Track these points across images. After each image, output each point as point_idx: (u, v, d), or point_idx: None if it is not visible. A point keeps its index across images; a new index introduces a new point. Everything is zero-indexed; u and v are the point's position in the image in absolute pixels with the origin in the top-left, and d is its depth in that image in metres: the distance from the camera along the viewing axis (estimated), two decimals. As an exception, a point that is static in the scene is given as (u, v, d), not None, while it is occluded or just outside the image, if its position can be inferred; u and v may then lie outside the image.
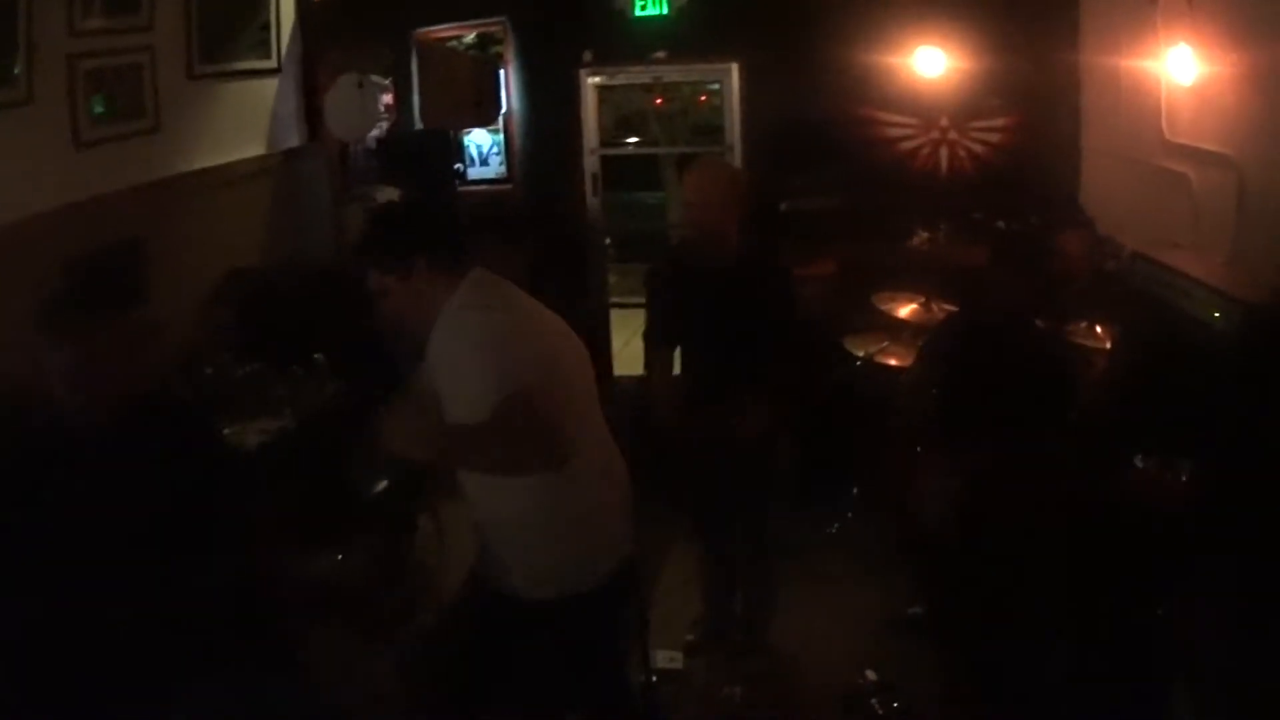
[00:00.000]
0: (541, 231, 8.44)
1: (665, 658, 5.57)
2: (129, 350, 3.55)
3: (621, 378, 7.76)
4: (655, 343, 5.30)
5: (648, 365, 5.34)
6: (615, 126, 8.44)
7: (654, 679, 5.15)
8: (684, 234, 5.42)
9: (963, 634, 5.07)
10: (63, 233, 5.48)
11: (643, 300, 5.45)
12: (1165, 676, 4.18)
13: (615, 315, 8.77)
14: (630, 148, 8.38)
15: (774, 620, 5.66)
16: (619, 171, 8.39)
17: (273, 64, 7.49)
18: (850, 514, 6.68)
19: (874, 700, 5.13)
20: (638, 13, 7.84)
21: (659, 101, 8.34)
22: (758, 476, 5.30)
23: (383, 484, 5.86)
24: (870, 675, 5.27)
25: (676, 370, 5.35)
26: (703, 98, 8.28)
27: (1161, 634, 4.25)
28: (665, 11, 7.80)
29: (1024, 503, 4.64)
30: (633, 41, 7.94)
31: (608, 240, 8.87)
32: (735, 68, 7.76)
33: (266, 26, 7.45)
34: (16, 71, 5.37)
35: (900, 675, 5.25)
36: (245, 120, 7.33)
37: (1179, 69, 5.60)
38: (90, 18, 5.81)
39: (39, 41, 5.45)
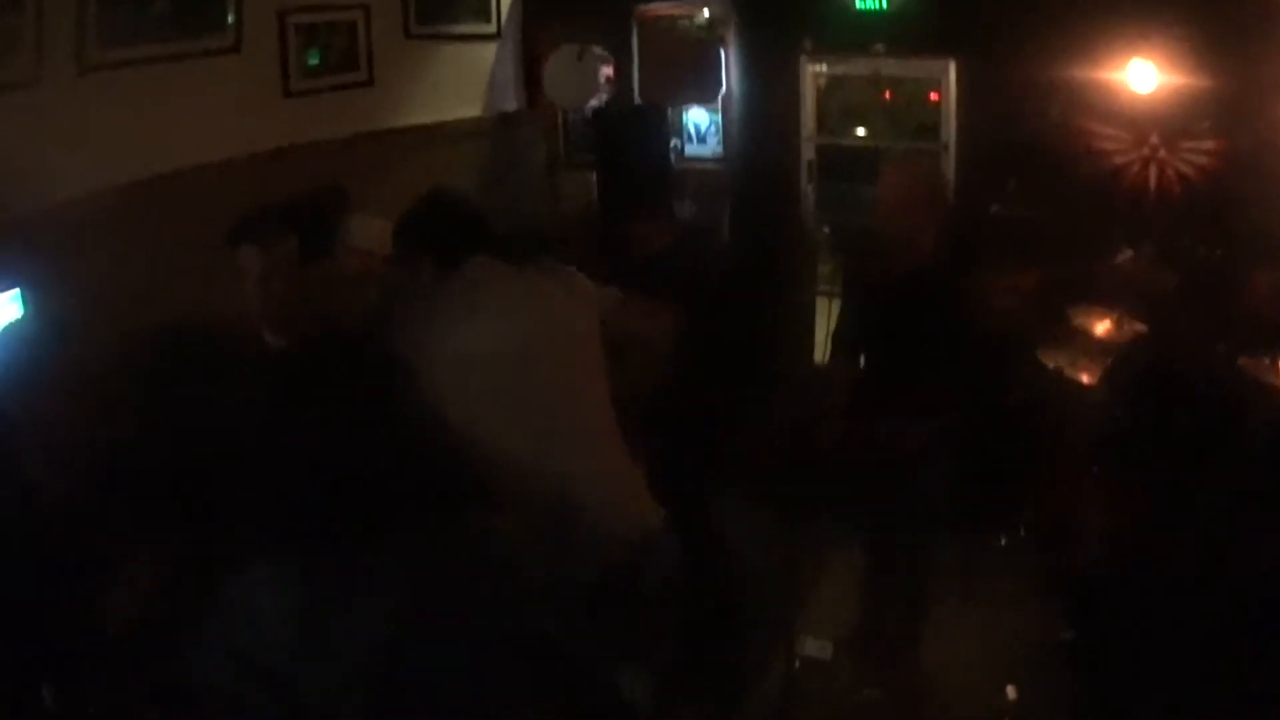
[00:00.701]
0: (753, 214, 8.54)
1: (815, 646, 5.61)
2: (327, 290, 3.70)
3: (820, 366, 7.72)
4: (840, 342, 5.27)
5: (834, 363, 5.37)
6: (841, 116, 8.33)
7: (798, 664, 5.19)
8: (877, 234, 5.29)
9: (1106, 667, 4.92)
10: (270, 176, 5.71)
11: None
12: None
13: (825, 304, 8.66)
14: (850, 139, 8.26)
15: (922, 631, 5.55)
16: (839, 162, 8.29)
17: (492, 29, 7.67)
18: (1022, 531, 6.46)
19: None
20: (859, 5, 7.74)
21: (888, 95, 8.20)
22: (917, 484, 5.16)
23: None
24: (1010, 694, 5.19)
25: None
26: (934, 95, 8.11)
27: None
28: (885, 7, 7.69)
29: (1184, 545, 4.46)
30: (852, 33, 7.82)
31: (826, 229, 8.79)
32: (952, 66, 7.59)
33: (487, -8, 7.62)
34: (230, 20, 5.62)
35: (1039, 699, 5.15)
36: (462, 82, 7.53)
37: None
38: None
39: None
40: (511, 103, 7.98)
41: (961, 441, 5.18)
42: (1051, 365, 6.30)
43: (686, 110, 8.60)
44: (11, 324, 3.94)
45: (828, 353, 5.46)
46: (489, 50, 7.76)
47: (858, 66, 7.95)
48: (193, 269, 4.55)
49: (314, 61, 6.19)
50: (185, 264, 4.72)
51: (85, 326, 4.49)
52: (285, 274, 3.88)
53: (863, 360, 5.29)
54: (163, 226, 4.92)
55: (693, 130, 8.68)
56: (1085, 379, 6.11)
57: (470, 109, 7.66)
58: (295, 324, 3.81)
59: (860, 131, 8.12)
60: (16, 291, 4.36)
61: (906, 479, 5.08)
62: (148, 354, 3.91)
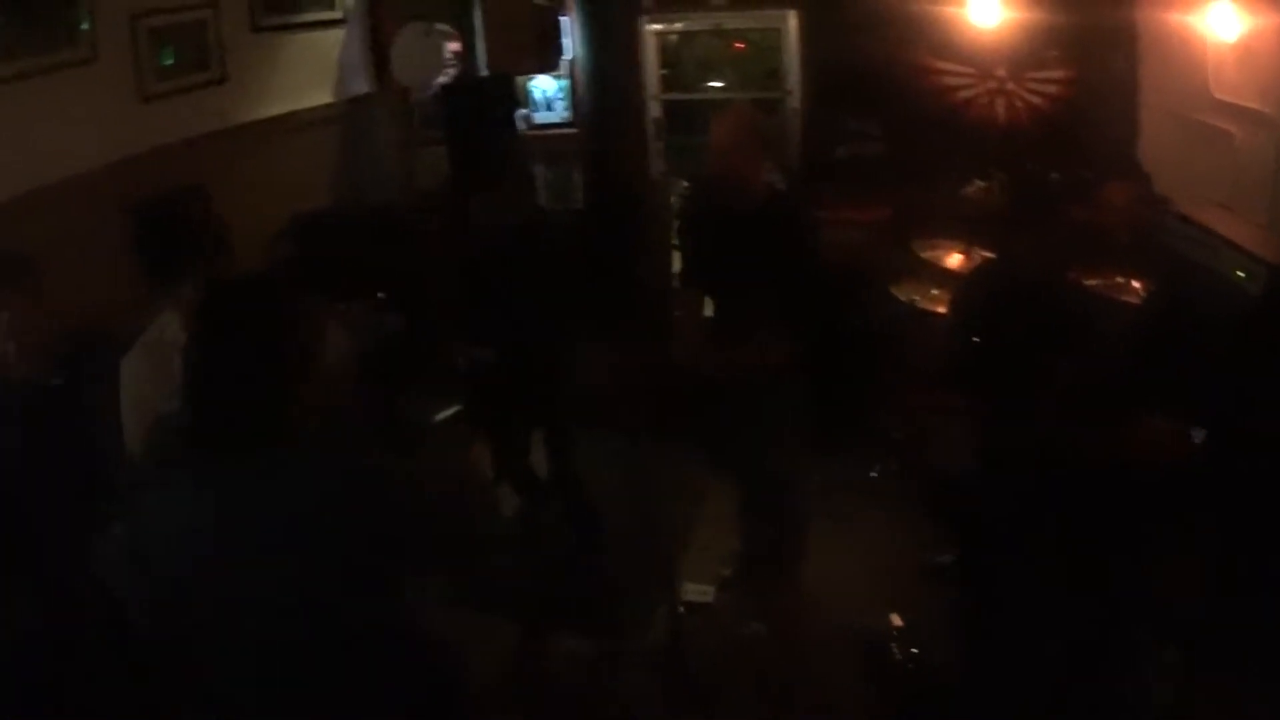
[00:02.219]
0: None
1: (696, 591, 5.75)
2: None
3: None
4: (685, 285, 5.43)
5: (678, 308, 5.48)
6: (693, 71, 8.46)
7: (681, 610, 5.34)
8: (708, 178, 5.38)
9: (980, 583, 5.13)
10: (131, 183, 5.69)
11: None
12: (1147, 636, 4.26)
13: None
14: (694, 94, 8.40)
15: (803, 561, 5.64)
16: (684, 116, 8.43)
17: (337, 14, 7.69)
18: (890, 459, 6.71)
19: (894, 645, 5.22)
20: (694, -40, 7.88)
21: (739, 46, 8.34)
22: (777, 418, 5.31)
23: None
24: (895, 620, 5.36)
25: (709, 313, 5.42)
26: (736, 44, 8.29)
27: (1148, 593, 4.34)
28: (721, -41, 7.83)
29: (1038, 453, 4.68)
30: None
31: (681, 182, 8.95)
32: (793, 14, 7.80)
33: (330, -23, 7.63)
34: (83, 27, 5.59)
35: (922, 623, 5.31)
36: (312, 69, 7.54)
37: (1222, 25, 5.55)
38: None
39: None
40: (363, 86, 8.00)
41: (814, 374, 5.31)
42: (904, 298, 6.58)
43: (532, 79, 8.72)
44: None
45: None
46: (336, 35, 7.79)
47: (698, 21, 8.13)
48: (69, 282, 4.52)
49: (168, 62, 6.18)
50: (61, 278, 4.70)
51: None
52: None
53: (710, 304, 5.40)
54: (33, 244, 4.88)
55: (539, 98, 8.79)
56: (940, 310, 6.35)
57: (322, 95, 7.68)
58: None
59: (711, 84, 8.28)
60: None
61: (764, 414, 5.23)
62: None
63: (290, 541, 2.67)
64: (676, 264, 8.43)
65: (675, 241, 8.46)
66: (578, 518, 6.15)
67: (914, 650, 5.19)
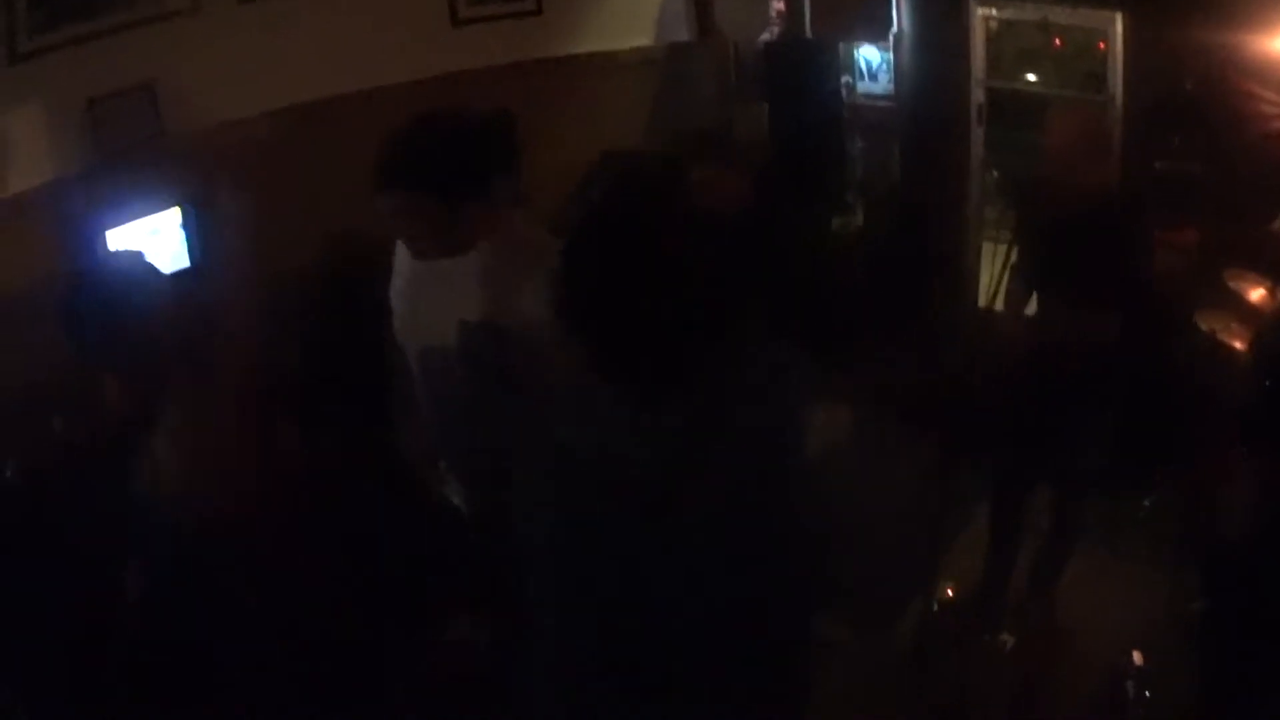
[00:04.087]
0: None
1: (953, 591, 5.77)
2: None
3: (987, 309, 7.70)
4: (1015, 281, 5.42)
5: (1007, 305, 5.46)
6: (1012, 61, 8.22)
7: (935, 607, 5.24)
8: (1042, 177, 5.34)
9: (1234, 640, 4.86)
10: (434, 102, 5.83)
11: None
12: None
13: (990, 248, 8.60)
14: (1019, 84, 8.15)
15: (1058, 583, 5.62)
16: (1008, 106, 8.19)
17: (666, -41, 7.69)
18: (1169, 493, 6.37)
19: (1129, 683, 5.05)
20: (1031, -49, 7.61)
21: (1058, 43, 8.07)
22: (1073, 437, 5.27)
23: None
24: (1136, 658, 5.16)
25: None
26: (1101, 44, 7.95)
27: None
28: (1057, -45, 7.54)
29: None
30: (1023, -23, 7.69)
31: (994, 172, 8.71)
32: (1119, 16, 7.42)
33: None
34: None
35: (1164, 666, 5.12)
36: (633, 11, 7.56)
37: None
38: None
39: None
40: (683, 33, 7.99)
41: (1120, 393, 5.28)
42: (1206, 328, 6.21)
43: (858, 47, 8.55)
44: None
45: (1000, 290, 5.56)
46: (661, -23, 7.79)
47: (1026, 11, 7.84)
48: (353, 194, 4.65)
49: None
50: (345, 189, 4.85)
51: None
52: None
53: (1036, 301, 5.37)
54: (324, 151, 5.06)
55: (864, 67, 8.63)
56: (1238, 344, 6.01)
57: (641, 38, 7.70)
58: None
59: (1030, 77, 8.01)
60: (177, 210, 4.56)
61: (1066, 426, 5.18)
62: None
63: None
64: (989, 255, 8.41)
65: (992, 234, 8.40)
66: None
67: (1148, 693, 5.01)
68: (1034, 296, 5.42)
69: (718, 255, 3.00)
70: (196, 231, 4.68)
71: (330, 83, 5.43)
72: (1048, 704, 5.15)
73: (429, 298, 3.68)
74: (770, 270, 6.84)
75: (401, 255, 3.81)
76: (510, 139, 3.94)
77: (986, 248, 8.64)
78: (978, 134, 8.29)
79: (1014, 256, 5.66)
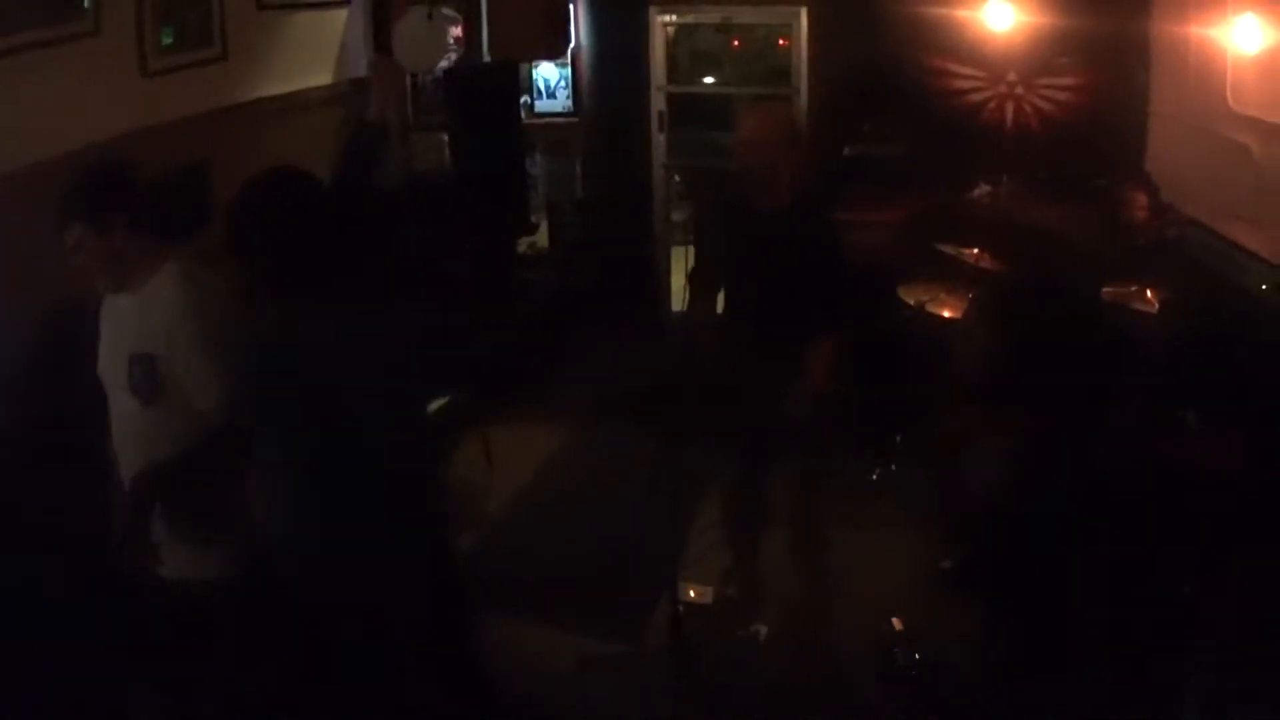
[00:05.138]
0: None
1: (695, 591, 5.69)
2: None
3: (678, 314, 7.83)
4: (699, 283, 5.31)
5: (689, 304, 5.35)
6: (691, 65, 8.44)
7: (681, 610, 5.27)
8: (736, 176, 5.21)
9: (994, 592, 5.10)
10: (132, 157, 5.59)
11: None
12: (1184, 655, 4.21)
13: (681, 251, 8.78)
14: (701, 87, 8.38)
15: (805, 565, 5.56)
16: (690, 109, 8.41)
17: (343, -6, 7.60)
18: (893, 464, 6.65)
19: (897, 650, 5.14)
20: (706, -50, 7.84)
21: (736, 43, 8.32)
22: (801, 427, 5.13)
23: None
24: (896, 624, 5.27)
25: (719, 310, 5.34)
26: (783, 41, 8.24)
27: (1187, 611, 4.29)
28: (732, -47, 7.79)
29: (1073, 464, 4.64)
30: (701, -21, 7.92)
31: (676, 178, 8.91)
32: (804, 11, 7.75)
33: (338, -43, 7.52)
34: (86, 5, 5.49)
35: (926, 628, 5.22)
36: (314, 50, 7.45)
37: (1245, 38, 5.53)
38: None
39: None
40: (363, 68, 7.89)
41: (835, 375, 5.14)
42: (912, 301, 6.51)
43: (536, 66, 8.64)
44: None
45: (686, 298, 5.49)
46: (340, 16, 7.70)
47: (707, 14, 8.07)
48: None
49: (168, 41, 6.07)
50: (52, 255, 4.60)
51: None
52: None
53: (721, 303, 5.31)
54: (28, 220, 4.78)
55: (542, 86, 8.74)
56: (946, 313, 6.32)
57: (323, 76, 7.58)
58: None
59: (709, 79, 8.23)
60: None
61: (780, 413, 5.06)
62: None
63: None
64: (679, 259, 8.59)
65: (680, 238, 8.60)
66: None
67: (916, 655, 5.08)
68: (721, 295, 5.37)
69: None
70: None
71: (22, 151, 5.12)
72: (819, 686, 5.13)
73: (111, 333, 3.88)
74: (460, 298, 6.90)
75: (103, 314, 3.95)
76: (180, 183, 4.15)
77: (676, 252, 8.87)
78: (659, 140, 8.48)
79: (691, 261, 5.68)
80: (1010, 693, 4.69)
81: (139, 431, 3.78)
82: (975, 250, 6.39)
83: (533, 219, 8.95)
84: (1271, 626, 3.92)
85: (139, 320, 3.71)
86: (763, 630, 5.49)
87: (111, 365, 3.84)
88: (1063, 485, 4.67)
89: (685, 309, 5.41)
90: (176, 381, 3.66)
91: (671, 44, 8.32)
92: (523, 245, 9.10)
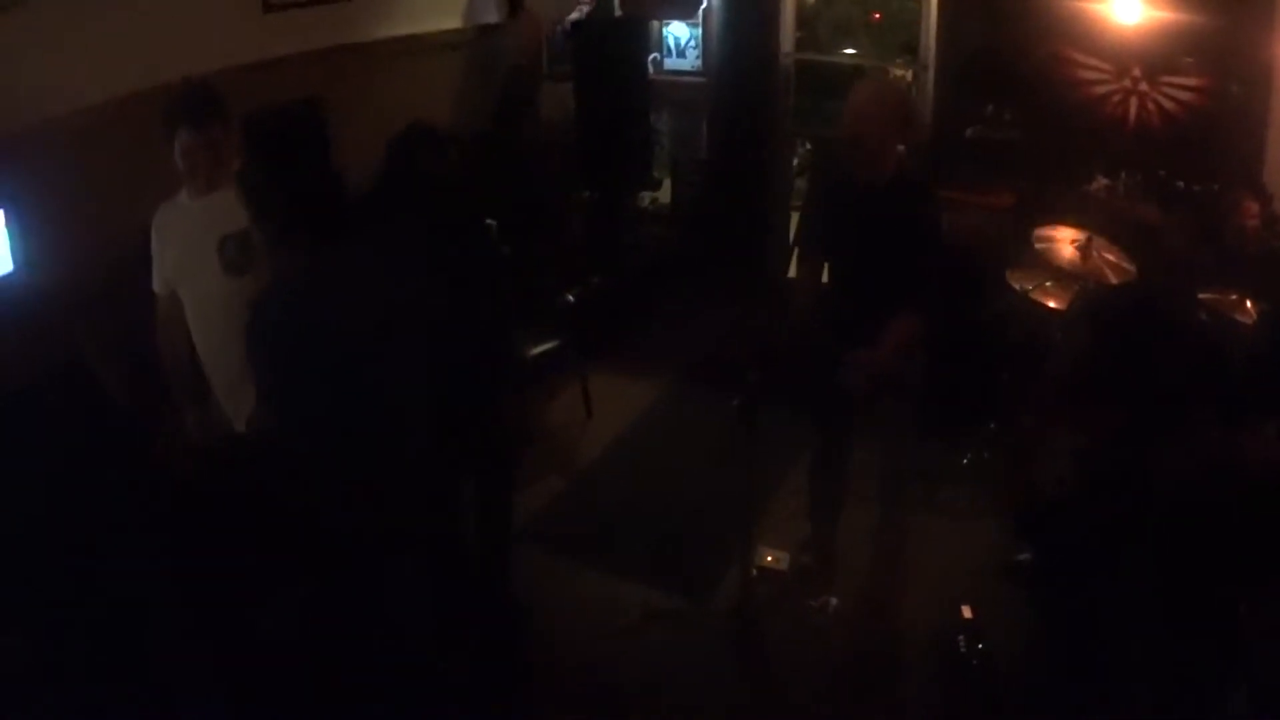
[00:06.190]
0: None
1: (771, 556, 5.71)
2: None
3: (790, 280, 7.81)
4: (804, 252, 5.23)
5: (797, 273, 5.28)
6: (826, 34, 8.38)
7: (755, 573, 5.29)
8: (842, 149, 5.19)
9: (1062, 589, 5.03)
10: (251, 88, 5.71)
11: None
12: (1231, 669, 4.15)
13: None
14: (831, 55, 8.31)
15: (884, 545, 5.56)
16: (817, 78, 8.34)
17: (474, -60, 7.66)
18: (985, 451, 6.56)
19: (961, 637, 5.08)
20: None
21: (876, 16, 8.24)
22: (887, 404, 5.17)
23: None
24: (966, 612, 5.21)
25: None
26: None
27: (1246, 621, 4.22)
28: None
29: (1156, 471, 4.56)
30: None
31: (806, 145, 8.87)
32: (934, -11, 7.67)
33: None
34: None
35: (993, 618, 5.17)
36: (444, -8, 7.54)
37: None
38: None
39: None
40: (492, 14, 7.95)
41: (930, 357, 5.19)
42: (1018, 287, 6.41)
43: (666, 24, 8.65)
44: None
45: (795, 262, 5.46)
46: (472, -39, 7.75)
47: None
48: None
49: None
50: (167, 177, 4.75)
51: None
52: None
53: (827, 272, 5.25)
54: (143, 144, 4.92)
55: (672, 44, 8.74)
56: (1051, 303, 6.22)
57: (450, 20, 7.63)
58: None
59: (845, 50, 8.17)
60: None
61: (876, 393, 5.06)
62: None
63: None
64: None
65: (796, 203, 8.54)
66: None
67: (980, 645, 5.02)
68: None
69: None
70: (19, 233, 4.54)
71: (144, 75, 5.25)
72: (881, 664, 5.17)
73: (187, 232, 4.42)
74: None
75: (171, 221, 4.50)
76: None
77: (796, 218, 8.81)
78: (786, 106, 8.43)
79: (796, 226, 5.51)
80: (1066, 691, 4.68)
81: (226, 306, 4.24)
82: (1081, 243, 6.22)
83: (656, 175, 8.99)
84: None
85: (230, 206, 4.01)
86: (833, 602, 5.48)
87: (188, 258, 4.41)
88: (1141, 489, 4.58)
89: (796, 276, 5.39)
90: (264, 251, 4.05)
91: (810, 11, 8.27)
92: (645, 200, 9.15)
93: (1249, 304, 5.39)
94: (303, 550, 3.95)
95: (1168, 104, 7.26)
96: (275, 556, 4.13)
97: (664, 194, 9.23)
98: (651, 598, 5.48)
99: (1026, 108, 7.57)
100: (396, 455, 3.87)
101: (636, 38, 8.42)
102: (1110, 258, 6.08)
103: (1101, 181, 7.16)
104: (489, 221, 5.29)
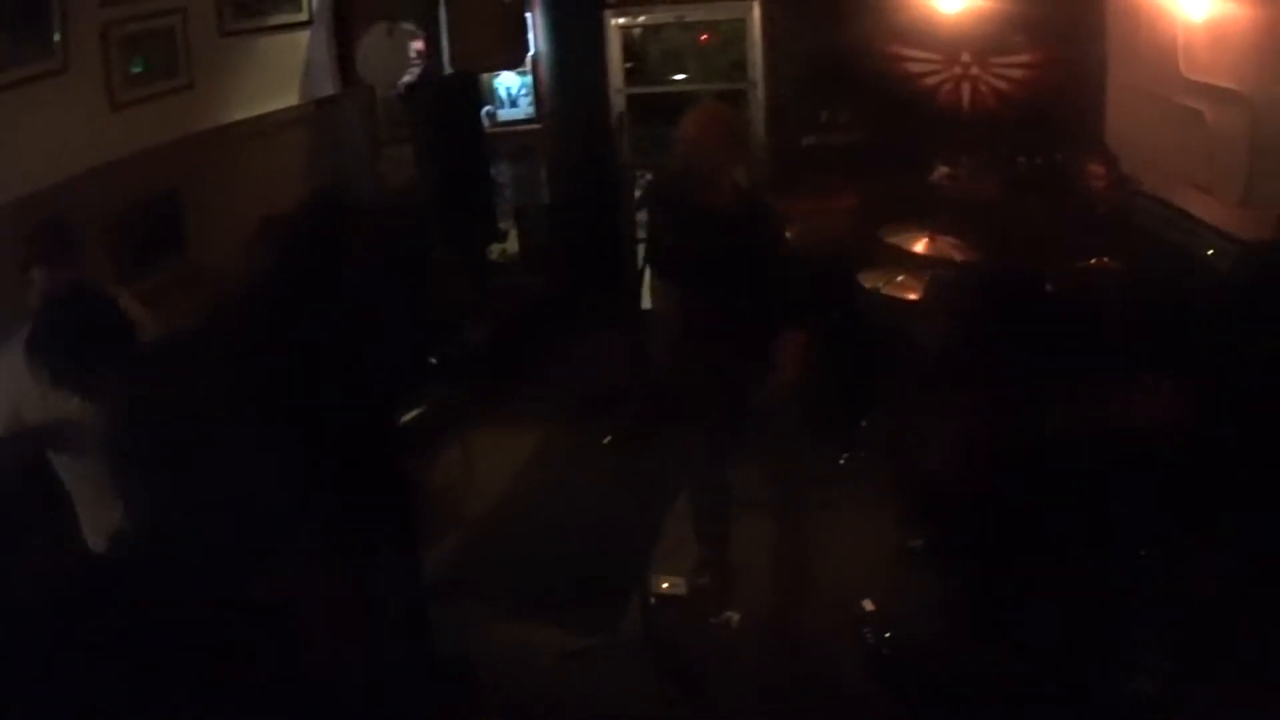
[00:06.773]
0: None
1: (667, 583, 5.76)
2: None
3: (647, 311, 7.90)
4: (660, 277, 5.33)
5: (656, 302, 5.43)
6: (654, 64, 8.46)
7: (653, 602, 5.39)
8: (674, 170, 5.38)
9: (959, 570, 5.18)
10: (104, 190, 5.68)
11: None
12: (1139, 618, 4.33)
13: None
14: (659, 86, 8.41)
15: (798, 549, 5.61)
16: (650, 109, 8.45)
17: (304, 16, 7.68)
18: (859, 447, 6.72)
19: (867, 630, 5.20)
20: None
21: (704, 38, 8.34)
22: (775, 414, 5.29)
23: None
24: (867, 605, 5.32)
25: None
26: (703, 37, 8.31)
27: (1144, 575, 4.41)
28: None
29: (1033, 437, 4.72)
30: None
31: (648, 176, 8.96)
32: (756, 4, 7.84)
33: (297, -21, 7.63)
34: (54, 41, 5.57)
35: (895, 608, 5.28)
36: (279, 72, 7.54)
37: (1193, 4, 5.63)
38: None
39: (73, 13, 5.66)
40: (328, 87, 7.98)
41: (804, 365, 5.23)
42: (869, 286, 6.64)
43: (496, 76, 8.80)
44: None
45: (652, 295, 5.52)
46: (303, 37, 7.80)
47: (661, 15, 8.15)
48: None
49: (137, 70, 6.16)
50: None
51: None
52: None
53: (684, 295, 5.29)
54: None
55: (504, 95, 8.86)
56: (908, 296, 6.44)
57: (288, 98, 7.66)
58: None
59: (678, 76, 8.31)
60: None
61: (751, 406, 5.21)
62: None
63: None
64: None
65: (641, 234, 8.64)
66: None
67: (887, 635, 5.17)
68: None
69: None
70: None
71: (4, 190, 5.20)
72: (790, 669, 5.19)
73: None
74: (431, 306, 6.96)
75: None
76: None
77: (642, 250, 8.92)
78: (621, 141, 8.55)
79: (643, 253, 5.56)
80: (978, 668, 4.73)
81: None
82: (928, 233, 6.48)
83: (501, 226, 9.06)
84: (1234, 592, 4.02)
85: None
86: (735, 617, 5.55)
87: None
88: (1023, 460, 4.73)
89: (653, 306, 5.46)
90: None
91: (637, 43, 8.39)
92: (494, 253, 9.20)
93: (1109, 265, 5.59)
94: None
95: (1001, 84, 7.53)
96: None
97: (511, 244, 9.26)
98: (563, 639, 5.47)
99: (861, 109, 7.78)
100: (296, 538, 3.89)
101: (468, 93, 8.51)
102: (953, 245, 6.32)
103: (943, 170, 7.38)
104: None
